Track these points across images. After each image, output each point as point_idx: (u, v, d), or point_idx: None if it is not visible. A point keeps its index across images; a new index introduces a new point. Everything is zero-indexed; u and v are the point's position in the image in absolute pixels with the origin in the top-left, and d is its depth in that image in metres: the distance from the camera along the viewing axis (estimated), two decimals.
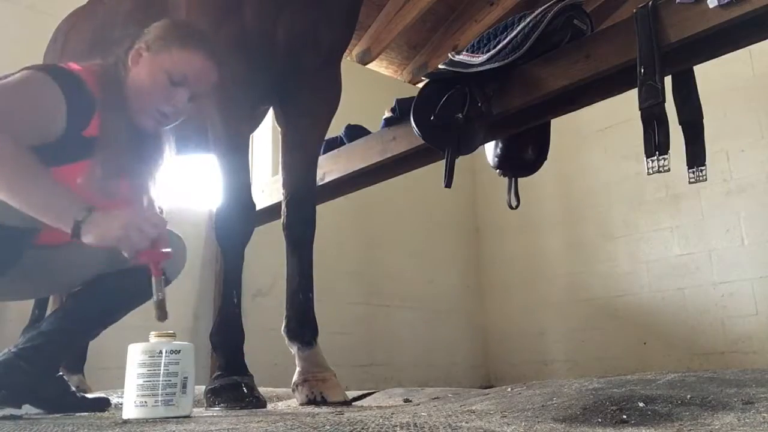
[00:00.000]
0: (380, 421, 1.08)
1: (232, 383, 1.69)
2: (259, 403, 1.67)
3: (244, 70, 1.86)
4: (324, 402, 1.76)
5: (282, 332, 1.96)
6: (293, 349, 1.92)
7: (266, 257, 3.63)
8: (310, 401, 1.77)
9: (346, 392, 1.93)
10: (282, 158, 2.12)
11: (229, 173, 1.85)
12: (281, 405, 1.94)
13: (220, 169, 1.87)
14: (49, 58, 2.84)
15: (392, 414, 1.27)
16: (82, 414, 1.69)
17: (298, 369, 1.87)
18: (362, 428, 1.01)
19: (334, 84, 2.16)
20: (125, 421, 1.27)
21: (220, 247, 1.89)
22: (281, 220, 2.04)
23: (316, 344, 1.91)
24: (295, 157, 2.08)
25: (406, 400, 1.89)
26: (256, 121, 2.46)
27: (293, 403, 1.90)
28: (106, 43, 2.37)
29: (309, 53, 1.99)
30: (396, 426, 1.03)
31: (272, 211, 3.12)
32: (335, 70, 2.17)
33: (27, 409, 1.69)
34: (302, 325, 1.93)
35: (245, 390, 1.67)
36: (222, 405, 1.64)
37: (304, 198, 2.04)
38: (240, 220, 1.84)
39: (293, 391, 1.86)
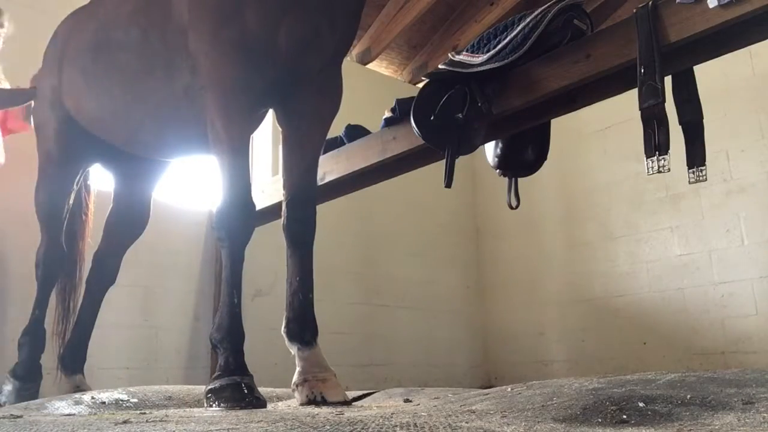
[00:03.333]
0: (380, 421, 1.08)
1: (232, 383, 1.68)
2: (259, 403, 1.66)
3: (245, 72, 1.86)
4: (324, 402, 1.76)
5: (282, 332, 1.96)
6: (293, 350, 1.92)
7: (266, 257, 3.63)
8: (310, 401, 1.77)
9: (346, 392, 1.93)
10: (283, 159, 2.12)
11: (229, 174, 1.85)
12: (281, 405, 1.94)
13: (221, 169, 1.87)
14: (49, 58, 2.84)
15: (392, 414, 1.27)
16: (82, 414, 1.69)
17: (298, 369, 1.87)
18: (362, 428, 1.01)
19: (336, 86, 2.16)
20: (125, 421, 1.27)
21: (221, 247, 1.88)
22: (281, 220, 2.04)
23: (316, 344, 1.91)
24: (295, 158, 2.08)
25: (406, 400, 1.88)
26: (256, 122, 2.46)
27: (293, 403, 1.90)
28: (109, 44, 2.39)
29: (311, 56, 1.99)
30: (396, 426, 1.03)
31: (272, 211, 3.12)
32: (337, 72, 2.17)
33: (27, 409, 1.69)
34: (302, 325, 1.93)
35: (245, 390, 1.67)
36: (222, 405, 1.64)
37: (304, 199, 2.04)
38: (240, 220, 1.84)
39: (293, 391, 1.86)
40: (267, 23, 1.87)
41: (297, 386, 1.83)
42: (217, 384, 1.70)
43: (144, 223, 3.03)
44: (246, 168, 1.89)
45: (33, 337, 2.78)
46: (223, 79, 1.87)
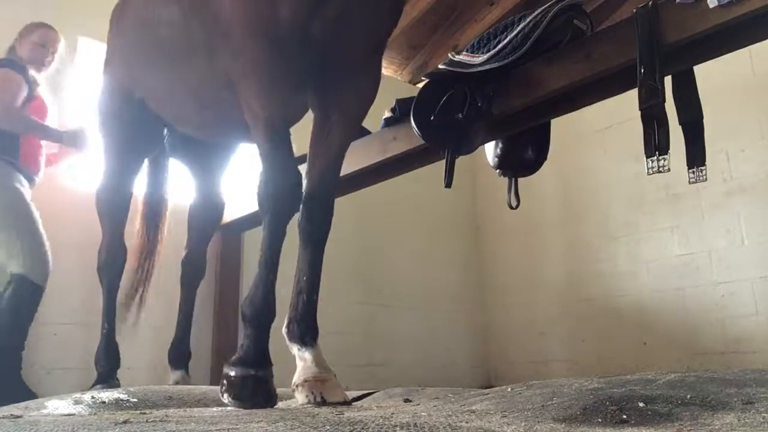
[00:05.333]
0: (380, 421, 1.08)
1: (246, 375, 1.68)
2: (269, 398, 1.66)
3: (279, 62, 1.83)
4: (324, 403, 1.75)
5: (282, 332, 1.95)
6: (293, 350, 1.92)
7: None
8: (310, 402, 1.77)
9: (346, 392, 1.93)
10: (309, 149, 2.09)
11: (271, 148, 1.79)
12: (281, 405, 1.94)
13: (262, 150, 1.82)
14: (109, 43, 2.91)
15: (392, 414, 1.27)
16: (82, 413, 1.69)
17: (298, 370, 1.87)
18: (362, 428, 1.01)
19: (372, 77, 2.10)
20: (125, 421, 1.27)
21: (262, 217, 1.82)
22: (297, 216, 2.00)
23: (316, 345, 1.91)
24: (321, 149, 2.04)
25: (406, 400, 1.88)
26: (299, 110, 2.43)
27: (293, 403, 1.90)
28: (153, 21, 2.41)
29: (347, 40, 1.94)
30: (396, 426, 1.03)
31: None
32: (375, 62, 2.11)
33: (27, 409, 1.69)
34: (303, 326, 1.91)
35: (258, 384, 1.67)
36: (232, 399, 1.65)
37: (323, 196, 1.99)
38: (286, 188, 1.78)
39: (293, 391, 1.85)
40: (301, 10, 1.83)
41: (297, 387, 1.83)
42: (232, 373, 1.69)
43: (221, 209, 3.21)
44: (288, 145, 1.85)
45: (107, 355, 2.81)
46: (258, 69, 1.84)
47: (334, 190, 2.06)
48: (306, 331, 1.91)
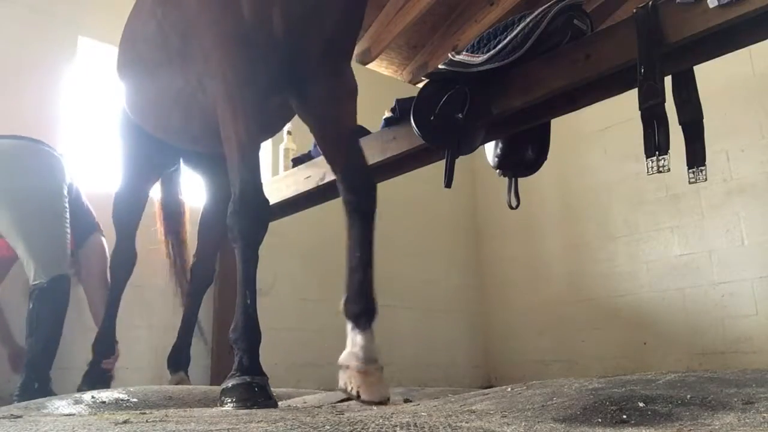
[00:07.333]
0: (380, 421, 1.08)
1: (243, 383, 1.68)
2: (268, 403, 1.66)
3: (246, 63, 1.84)
4: (357, 398, 1.72)
5: (340, 308, 1.89)
6: (347, 327, 1.85)
7: (266, 257, 3.60)
8: (345, 391, 1.74)
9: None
10: (320, 146, 2.10)
11: (238, 171, 1.81)
12: (281, 405, 1.94)
13: (229, 166, 1.84)
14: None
15: (392, 414, 1.27)
16: (82, 413, 1.69)
17: (346, 349, 1.81)
18: (362, 428, 1.01)
19: (345, 75, 2.12)
20: (125, 421, 1.26)
21: (234, 247, 1.84)
22: (341, 195, 1.97)
23: (369, 329, 1.81)
24: (331, 136, 2.04)
25: (406, 400, 1.88)
26: (282, 114, 2.45)
27: (294, 403, 1.90)
28: (137, 37, 2.47)
29: (314, 38, 1.95)
30: (396, 426, 1.03)
31: (273, 211, 3.13)
32: (344, 59, 2.13)
33: (27, 409, 1.69)
34: (357, 305, 1.84)
35: (255, 389, 1.67)
36: (232, 404, 1.65)
37: (357, 167, 1.98)
38: (252, 218, 1.79)
39: (340, 368, 1.83)
40: (261, 7, 1.85)
41: (342, 367, 1.80)
42: (229, 384, 1.71)
43: None
44: (255, 163, 1.85)
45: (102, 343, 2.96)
46: (226, 72, 1.85)
47: (364, 158, 2.04)
48: (361, 312, 1.84)
